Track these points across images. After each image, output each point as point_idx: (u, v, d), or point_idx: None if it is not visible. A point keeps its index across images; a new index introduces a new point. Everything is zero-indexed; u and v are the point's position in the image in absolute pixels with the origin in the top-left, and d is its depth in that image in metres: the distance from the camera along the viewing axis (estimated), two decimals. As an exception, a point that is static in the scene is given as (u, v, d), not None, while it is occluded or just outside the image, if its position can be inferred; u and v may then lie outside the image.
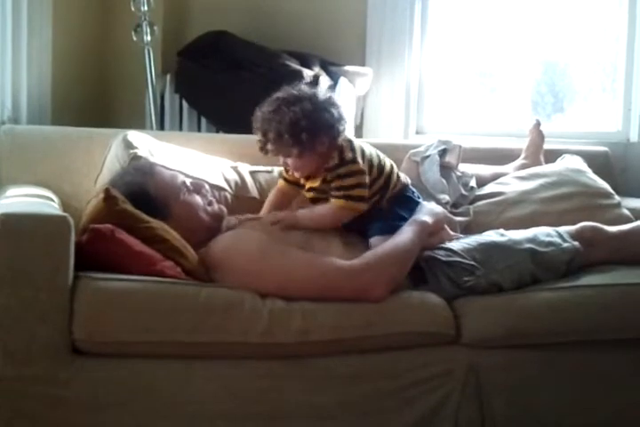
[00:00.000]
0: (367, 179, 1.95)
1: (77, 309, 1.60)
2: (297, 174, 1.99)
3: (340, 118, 1.93)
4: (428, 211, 2.04)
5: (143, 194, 1.88)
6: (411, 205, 2.06)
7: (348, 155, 1.92)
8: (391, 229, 1.95)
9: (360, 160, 1.94)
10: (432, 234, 2.00)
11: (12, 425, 1.60)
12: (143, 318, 1.64)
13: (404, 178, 2.10)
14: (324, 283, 1.77)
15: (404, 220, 1.99)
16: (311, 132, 1.86)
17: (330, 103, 1.92)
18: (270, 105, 1.90)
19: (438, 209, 2.08)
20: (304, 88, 1.93)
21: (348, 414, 1.77)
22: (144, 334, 1.64)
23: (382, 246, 1.88)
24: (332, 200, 1.94)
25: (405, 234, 1.92)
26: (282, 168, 2.08)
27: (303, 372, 1.75)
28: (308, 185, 2.01)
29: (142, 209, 1.82)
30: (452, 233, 2.10)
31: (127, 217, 1.78)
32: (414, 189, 2.12)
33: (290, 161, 1.94)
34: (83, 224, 1.79)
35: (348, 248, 1.93)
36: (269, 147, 1.90)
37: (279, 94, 1.92)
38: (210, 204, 1.99)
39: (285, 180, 2.08)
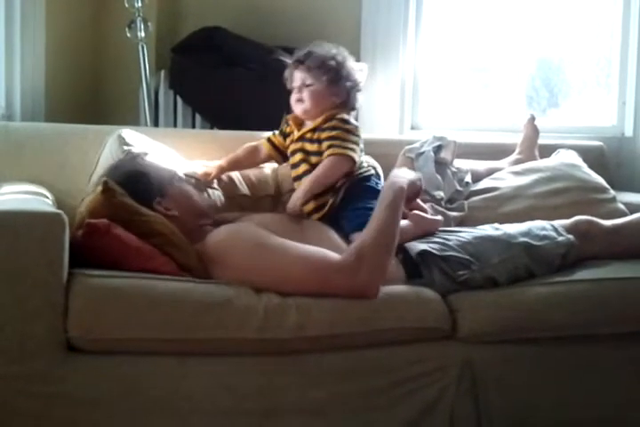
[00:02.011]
0: (361, 145, 2.08)
1: (72, 306, 1.60)
2: (302, 108, 2.09)
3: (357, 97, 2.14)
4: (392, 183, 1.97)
5: (138, 178, 1.89)
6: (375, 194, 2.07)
7: (355, 122, 2.09)
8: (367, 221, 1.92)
9: (360, 134, 2.09)
10: (408, 202, 2.00)
11: (8, 423, 1.60)
12: (138, 314, 1.64)
13: (370, 165, 2.15)
14: (320, 280, 1.77)
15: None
16: (344, 77, 2.08)
17: (357, 80, 2.13)
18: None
19: (406, 178, 1.99)
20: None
21: (343, 409, 1.77)
22: (139, 331, 1.64)
23: (370, 237, 1.82)
24: (326, 153, 2.03)
25: (382, 213, 1.87)
26: (272, 134, 2.22)
27: (299, 368, 1.75)
28: (300, 133, 2.10)
29: (138, 195, 1.83)
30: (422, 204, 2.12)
31: (125, 210, 1.78)
32: (378, 181, 2.14)
33: (306, 92, 2.07)
34: (82, 217, 1.78)
35: (341, 240, 1.95)
36: (304, 66, 2.08)
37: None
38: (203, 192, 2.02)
39: (271, 142, 2.20)
